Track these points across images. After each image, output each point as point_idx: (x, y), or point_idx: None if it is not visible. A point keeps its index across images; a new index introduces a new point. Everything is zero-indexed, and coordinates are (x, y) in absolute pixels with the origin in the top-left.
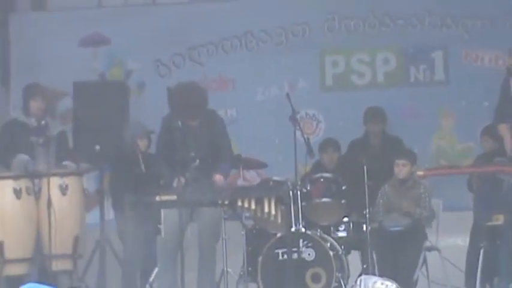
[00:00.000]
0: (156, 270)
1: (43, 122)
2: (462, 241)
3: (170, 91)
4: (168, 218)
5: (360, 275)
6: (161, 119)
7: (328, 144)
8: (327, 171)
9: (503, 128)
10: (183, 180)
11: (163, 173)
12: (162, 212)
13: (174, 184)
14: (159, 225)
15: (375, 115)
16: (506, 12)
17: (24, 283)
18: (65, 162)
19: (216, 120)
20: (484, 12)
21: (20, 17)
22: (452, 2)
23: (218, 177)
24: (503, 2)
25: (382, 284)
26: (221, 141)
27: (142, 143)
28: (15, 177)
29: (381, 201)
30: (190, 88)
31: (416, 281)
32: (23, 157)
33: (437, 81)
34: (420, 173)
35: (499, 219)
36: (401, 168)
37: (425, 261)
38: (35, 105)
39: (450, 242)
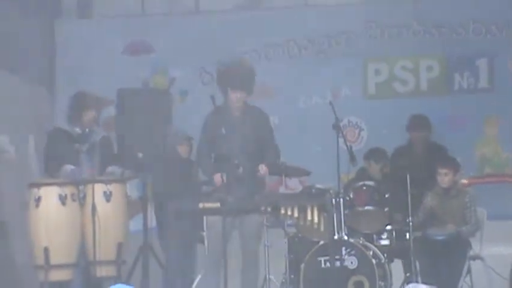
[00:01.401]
0: (198, 277)
1: (87, 130)
2: (506, 250)
3: (219, 69)
4: (211, 225)
5: (403, 284)
6: (205, 117)
7: (372, 152)
8: (370, 180)
9: None
10: (225, 178)
11: (206, 172)
12: (206, 219)
13: (216, 178)
14: (201, 233)
15: (418, 123)
16: None
17: None
18: (110, 168)
19: (261, 114)
20: None
21: (65, 25)
22: (497, 10)
23: (264, 168)
24: None
25: None
26: (267, 136)
27: (183, 150)
28: (61, 184)
29: (425, 209)
30: (239, 62)
31: None
32: (69, 167)
33: (482, 89)
34: (465, 181)
35: None
36: (443, 177)
37: (469, 270)
38: (89, 115)
39: (494, 251)
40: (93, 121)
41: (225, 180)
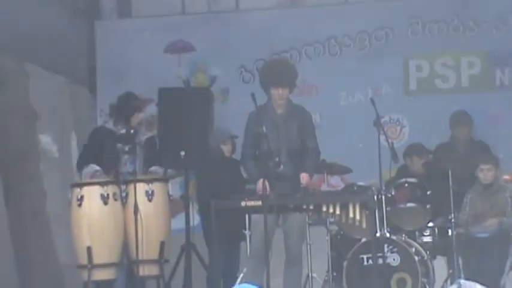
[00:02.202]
0: (241, 276)
1: (132, 131)
2: None
3: (261, 67)
4: (254, 223)
5: (446, 280)
6: (248, 116)
7: (413, 149)
8: (412, 176)
9: None
10: (267, 183)
11: (249, 173)
12: (249, 217)
13: (259, 185)
14: (244, 231)
15: (460, 120)
16: None
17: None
18: (153, 167)
19: (303, 112)
20: None
21: (105, 25)
22: None
23: (305, 176)
24: None
25: None
26: (309, 135)
27: (226, 148)
28: (103, 183)
29: (467, 206)
30: (280, 60)
31: (504, 285)
32: (93, 168)
33: None
34: (507, 177)
35: None
36: (486, 173)
37: None
38: (138, 117)
39: None
40: (140, 123)
41: (267, 188)
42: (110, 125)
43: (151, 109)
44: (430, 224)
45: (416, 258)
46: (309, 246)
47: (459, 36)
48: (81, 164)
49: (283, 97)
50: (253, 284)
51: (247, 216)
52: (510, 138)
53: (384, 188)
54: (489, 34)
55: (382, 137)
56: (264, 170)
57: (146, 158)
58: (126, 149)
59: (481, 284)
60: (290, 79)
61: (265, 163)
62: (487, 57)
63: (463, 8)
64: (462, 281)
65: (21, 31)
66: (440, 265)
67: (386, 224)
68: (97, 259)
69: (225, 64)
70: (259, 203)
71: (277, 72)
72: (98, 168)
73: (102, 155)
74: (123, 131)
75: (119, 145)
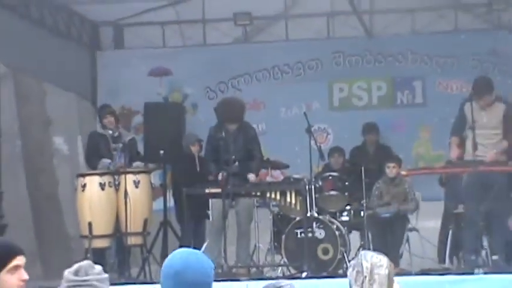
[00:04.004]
0: (205, 244)
1: (116, 133)
2: (435, 224)
3: (218, 103)
4: (214, 206)
5: (359, 249)
6: (209, 129)
7: (335, 150)
8: (334, 171)
9: (454, 140)
10: (225, 175)
11: (211, 170)
12: (211, 201)
13: (219, 178)
14: (207, 211)
15: (370, 128)
16: (469, 52)
17: (106, 254)
18: (136, 163)
19: (250, 129)
20: (453, 52)
21: (104, 54)
22: (429, 44)
23: (251, 176)
24: (466, 44)
25: (377, 257)
26: (253, 145)
27: (194, 149)
28: (101, 174)
29: (375, 194)
30: (233, 99)
31: (402, 254)
32: (106, 161)
33: (417, 104)
34: (404, 172)
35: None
36: (391, 170)
37: (408, 239)
38: (107, 121)
39: (426, 224)
40: (114, 125)
41: (225, 177)
42: (100, 130)
43: (139, 118)
44: (348, 207)
45: (337, 232)
46: (256, 223)
47: (371, 66)
48: (91, 160)
49: (234, 127)
50: (212, 251)
51: (210, 200)
52: (407, 143)
53: (313, 179)
54: (393, 65)
55: (313, 142)
56: (223, 166)
57: (130, 155)
58: (119, 148)
59: (383, 253)
60: (239, 117)
61: (224, 161)
62: (391, 82)
63: (374, 45)
64: (363, 252)
65: (40, 58)
66: (354, 238)
67: (315, 207)
68: (96, 231)
69: (194, 85)
70: (219, 190)
71: (229, 113)
72: (109, 161)
73: (100, 153)
74: (110, 132)
75: (113, 145)
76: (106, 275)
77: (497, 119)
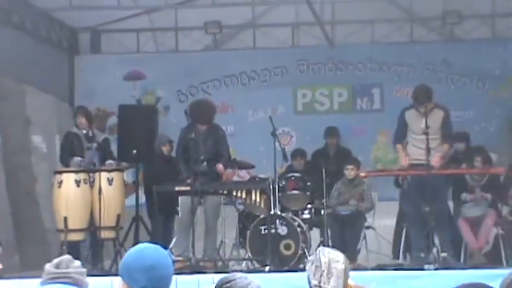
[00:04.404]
0: (174, 239)
1: (91, 133)
2: (391, 222)
3: (190, 104)
4: (183, 202)
5: (318, 246)
6: (180, 131)
7: (298, 153)
8: (297, 172)
9: (400, 147)
10: (194, 175)
11: (181, 170)
12: (180, 198)
13: (188, 179)
14: (176, 208)
15: (331, 132)
16: (423, 61)
17: (80, 247)
18: (108, 161)
19: (219, 130)
20: (409, 61)
21: (82, 59)
22: (386, 53)
23: (220, 167)
24: (421, 54)
25: (334, 253)
26: (222, 147)
27: (165, 149)
28: (76, 172)
29: (335, 194)
30: (204, 101)
31: (359, 250)
32: (77, 159)
33: (376, 109)
34: (363, 174)
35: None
36: (350, 171)
37: (365, 236)
38: (79, 121)
39: (382, 222)
40: (87, 126)
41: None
42: (74, 129)
43: (113, 119)
44: (309, 206)
45: (298, 229)
46: (222, 220)
47: (332, 74)
48: (64, 158)
49: (204, 127)
50: (181, 245)
51: (179, 197)
52: (366, 146)
53: (277, 179)
54: (353, 73)
55: (277, 144)
56: (192, 166)
57: (103, 154)
58: (93, 147)
59: (341, 249)
60: (209, 119)
61: (194, 161)
62: (351, 89)
63: (335, 54)
64: (321, 248)
65: (21, 61)
66: (315, 235)
67: (278, 205)
68: (71, 225)
69: (166, 89)
70: (188, 188)
71: (200, 114)
72: (80, 159)
73: (74, 151)
74: (84, 132)
75: (88, 144)
76: (85, 270)
77: (437, 124)
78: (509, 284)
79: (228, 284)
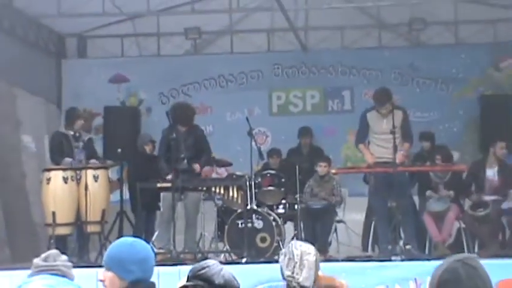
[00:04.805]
0: (156, 233)
1: (78, 134)
2: (360, 216)
3: (171, 107)
4: (165, 198)
5: (292, 238)
6: (161, 131)
7: (273, 151)
8: (272, 169)
9: (362, 147)
10: (175, 172)
11: (162, 167)
12: (162, 194)
13: (169, 176)
14: (158, 203)
15: (305, 132)
16: (391, 66)
17: (68, 240)
18: (92, 160)
19: (199, 130)
20: (377, 66)
21: (69, 63)
22: (356, 58)
23: (196, 166)
24: (389, 59)
25: (305, 246)
26: (202, 146)
27: (148, 148)
28: (64, 169)
29: (308, 189)
30: (184, 104)
31: (330, 243)
32: (68, 159)
33: (346, 110)
34: (333, 171)
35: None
36: (322, 168)
37: (335, 229)
38: (79, 123)
39: (352, 217)
40: (82, 127)
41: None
42: (62, 129)
43: (99, 120)
44: (283, 201)
45: (273, 223)
46: (202, 214)
47: (305, 77)
48: (55, 158)
49: (184, 129)
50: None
51: (161, 193)
52: (337, 145)
53: (253, 176)
54: (325, 77)
55: (253, 143)
56: (173, 164)
57: (88, 153)
58: (80, 146)
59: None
60: (189, 120)
61: (175, 159)
62: (323, 91)
63: (308, 59)
64: (293, 241)
65: (12, 65)
66: (289, 228)
67: (255, 200)
68: (59, 220)
69: (149, 91)
70: (169, 185)
71: (181, 116)
72: (71, 159)
73: (63, 150)
74: (72, 132)
75: (75, 144)
76: (71, 263)
77: (397, 124)
78: (440, 277)
79: (203, 271)
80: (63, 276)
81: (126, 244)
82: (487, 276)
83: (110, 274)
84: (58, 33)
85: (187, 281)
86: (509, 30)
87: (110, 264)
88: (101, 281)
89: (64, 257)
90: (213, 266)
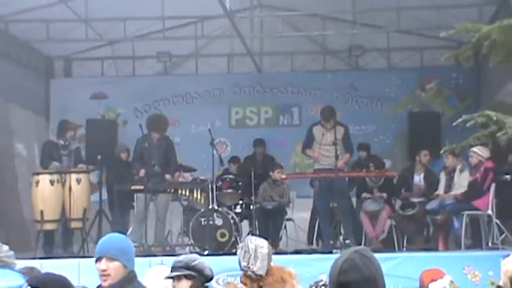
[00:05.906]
0: (130, 229)
1: (67, 143)
2: (306, 215)
3: (148, 117)
4: (138, 199)
5: (248, 234)
6: (136, 140)
7: (232, 159)
8: (231, 174)
9: (308, 151)
10: (147, 176)
11: (135, 167)
12: (136, 195)
13: (141, 175)
14: (133, 203)
15: (259, 143)
16: (334, 86)
17: (54, 235)
18: (80, 165)
19: (168, 140)
20: (322, 86)
21: (56, 81)
22: (304, 80)
23: (167, 176)
24: (332, 81)
25: (259, 240)
26: (171, 154)
27: (124, 156)
28: (51, 173)
29: (261, 192)
30: (160, 115)
31: (281, 238)
32: (55, 163)
33: (295, 125)
34: (283, 176)
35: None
36: (275, 174)
37: (285, 226)
38: (70, 134)
39: (300, 215)
40: (72, 137)
41: (145, 174)
42: (53, 139)
43: (82, 131)
44: (240, 202)
45: (231, 221)
46: (170, 213)
47: (260, 95)
48: (44, 163)
49: (157, 136)
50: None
51: (135, 195)
52: (287, 154)
53: (214, 180)
54: (277, 95)
55: (215, 151)
56: (146, 169)
57: (76, 160)
58: (66, 153)
59: (266, 237)
60: (162, 128)
61: (147, 165)
62: (275, 108)
63: (263, 80)
64: (248, 236)
65: (6, 83)
66: (245, 225)
67: (216, 201)
68: (46, 217)
69: (125, 106)
70: (142, 187)
71: (156, 125)
72: (57, 163)
73: (52, 156)
74: (62, 142)
75: (63, 151)
76: (12, 252)
77: (339, 137)
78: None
79: (195, 263)
80: (7, 267)
81: (124, 237)
82: (378, 264)
83: (115, 264)
84: (47, 56)
85: (171, 270)
86: (433, 56)
87: (116, 255)
88: (103, 270)
89: (5, 247)
90: (200, 259)
